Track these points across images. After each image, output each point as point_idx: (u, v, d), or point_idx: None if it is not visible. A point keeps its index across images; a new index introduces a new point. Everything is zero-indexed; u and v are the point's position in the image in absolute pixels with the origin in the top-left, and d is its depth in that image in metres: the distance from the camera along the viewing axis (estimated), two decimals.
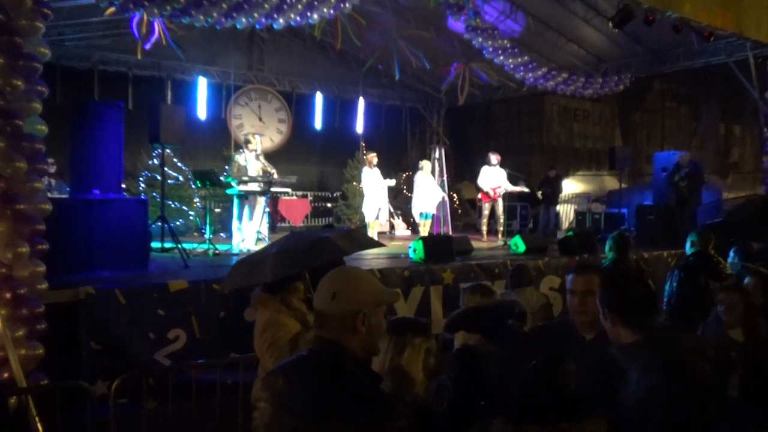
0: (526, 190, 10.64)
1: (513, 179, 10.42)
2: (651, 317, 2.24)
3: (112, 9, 7.21)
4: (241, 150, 8.39)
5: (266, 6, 7.56)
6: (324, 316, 1.70)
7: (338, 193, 13.96)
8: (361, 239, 3.36)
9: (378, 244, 4.64)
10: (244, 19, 7.49)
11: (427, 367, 2.08)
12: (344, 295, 1.68)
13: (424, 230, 10.30)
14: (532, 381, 2.02)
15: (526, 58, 10.05)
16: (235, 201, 8.09)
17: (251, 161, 8.14)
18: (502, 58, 9.80)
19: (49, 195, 7.43)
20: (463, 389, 2.30)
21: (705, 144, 17.05)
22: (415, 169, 14.53)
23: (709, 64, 10.63)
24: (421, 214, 10.43)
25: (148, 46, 8.99)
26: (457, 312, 2.93)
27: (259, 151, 8.50)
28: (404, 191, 14.35)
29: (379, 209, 10.22)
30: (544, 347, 2.27)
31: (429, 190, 10.26)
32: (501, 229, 10.25)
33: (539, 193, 12.38)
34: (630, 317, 2.18)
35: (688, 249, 4.94)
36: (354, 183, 12.96)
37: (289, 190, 9.34)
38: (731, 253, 4.67)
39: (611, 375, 2.11)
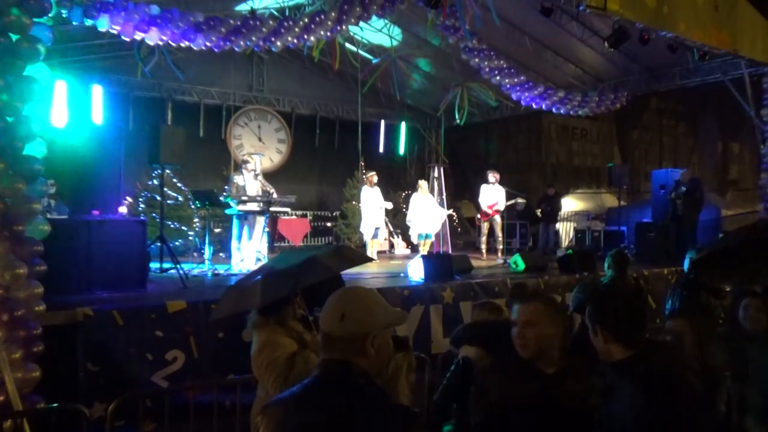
0: (520, 201, 10.67)
1: (510, 196, 10.46)
2: (642, 333, 2.20)
3: None
4: (239, 170, 8.43)
5: (264, 29, 7.64)
6: (331, 338, 1.64)
7: (338, 213, 13.98)
8: (349, 256, 3.35)
9: (368, 259, 4.64)
10: (242, 43, 7.57)
11: (410, 382, 2.07)
12: (353, 317, 1.64)
13: (424, 249, 10.30)
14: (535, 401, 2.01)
15: (522, 78, 10.12)
16: (235, 221, 8.10)
17: (250, 181, 8.17)
18: (498, 78, 9.88)
19: (48, 216, 7.45)
20: (446, 392, 2.30)
21: (703, 161, 17.13)
22: (414, 188, 14.65)
23: (705, 82, 10.72)
24: (419, 235, 10.44)
25: (147, 68, 9.07)
26: (462, 326, 2.95)
27: (258, 171, 8.53)
28: (404, 210, 14.36)
29: (378, 228, 10.23)
30: (501, 382, 2.17)
31: (426, 211, 10.28)
32: (500, 247, 10.25)
33: (538, 211, 12.40)
34: (620, 334, 2.16)
35: (687, 266, 4.93)
36: (354, 202, 12.99)
37: (288, 209, 9.36)
38: None
39: (576, 412, 2.03)
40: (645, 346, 2.17)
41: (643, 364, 2.11)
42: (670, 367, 2.17)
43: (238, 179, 8.19)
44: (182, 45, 7.41)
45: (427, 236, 10.42)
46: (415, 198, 10.43)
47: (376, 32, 11.23)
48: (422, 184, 10.60)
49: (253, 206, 7.89)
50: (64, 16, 6.27)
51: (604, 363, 2.24)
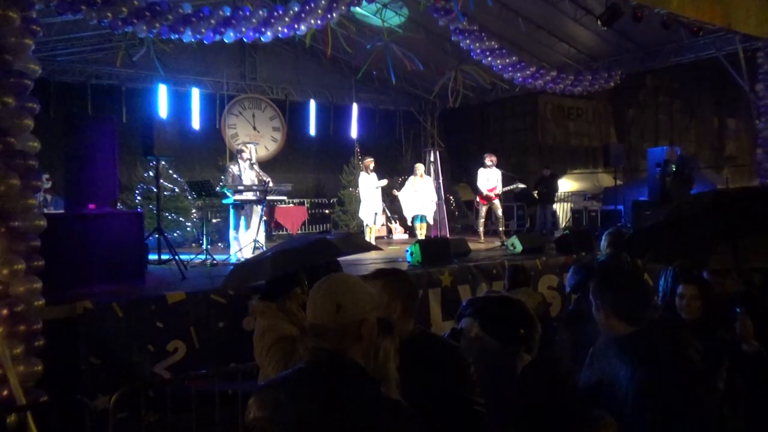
0: (520, 185, 10.71)
1: (509, 179, 10.46)
2: (644, 310, 2.24)
3: None
4: (235, 160, 8.42)
5: (254, 20, 7.57)
6: (325, 329, 1.65)
7: (335, 199, 13.98)
8: (358, 242, 3.41)
9: (375, 248, 4.70)
10: (232, 34, 7.50)
11: (397, 366, 2.08)
12: (348, 307, 1.65)
13: (420, 233, 10.33)
14: (534, 387, 2.03)
15: (514, 58, 10.07)
16: (231, 211, 8.10)
17: (245, 170, 8.16)
18: (490, 59, 9.83)
19: (45, 211, 7.46)
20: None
21: (700, 138, 17.11)
22: (411, 173, 14.66)
23: (699, 58, 10.66)
24: (414, 217, 10.48)
25: (136, 58, 9.02)
26: (465, 300, 3.04)
27: (253, 160, 8.52)
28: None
29: (376, 213, 10.27)
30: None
31: (419, 194, 10.33)
32: (501, 229, 10.25)
33: (535, 193, 12.42)
34: (623, 310, 2.22)
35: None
36: (350, 189, 12.98)
37: (285, 198, 9.37)
38: None
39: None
40: (647, 324, 2.21)
41: (645, 340, 2.16)
42: (671, 344, 2.21)
43: (233, 168, 8.19)
44: (172, 38, 7.36)
45: (422, 219, 10.44)
46: (410, 181, 10.50)
47: (370, 16, 11.13)
48: (419, 167, 10.64)
49: (249, 195, 7.88)
50: (52, 9, 6.22)
51: (608, 338, 2.29)
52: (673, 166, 9.85)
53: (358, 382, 1.61)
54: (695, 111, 17.00)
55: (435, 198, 10.87)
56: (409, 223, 10.86)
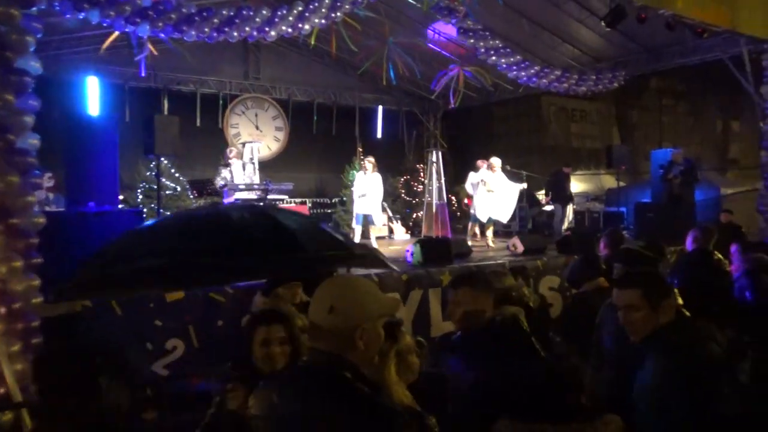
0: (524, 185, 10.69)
1: (514, 177, 10.39)
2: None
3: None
4: (227, 163, 8.42)
5: (257, 20, 7.58)
6: (320, 329, 1.59)
7: (336, 199, 13.98)
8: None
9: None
10: (236, 33, 7.50)
11: (408, 369, 2.02)
12: (341, 309, 1.57)
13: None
14: (541, 378, 2.04)
15: (518, 57, 10.03)
16: None
17: (237, 171, 8.16)
18: (494, 58, 9.79)
19: (47, 209, 7.47)
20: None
21: (704, 140, 17.03)
22: (413, 173, 14.53)
23: (704, 60, 10.61)
24: (489, 219, 10.02)
25: (139, 58, 9.05)
26: None
27: (254, 159, 8.53)
28: (402, 195, 14.34)
29: (368, 215, 9.92)
30: None
31: (497, 193, 9.83)
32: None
33: (546, 193, 12.29)
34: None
35: (690, 245, 5.03)
36: (352, 189, 12.96)
37: (286, 197, 9.35)
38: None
39: None
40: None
41: (666, 333, 2.23)
42: (692, 337, 2.27)
43: (225, 173, 8.21)
44: (175, 37, 7.36)
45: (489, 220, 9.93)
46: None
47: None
48: (495, 162, 9.95)
49: (250, 195, 7.90)
50: (55, 8, 6.23)
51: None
52: (678, 167, 9.80)
53: (350, 386, 1.54)
54: (700, 113, 16.91)
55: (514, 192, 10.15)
56: (483, 219, 9.93)
